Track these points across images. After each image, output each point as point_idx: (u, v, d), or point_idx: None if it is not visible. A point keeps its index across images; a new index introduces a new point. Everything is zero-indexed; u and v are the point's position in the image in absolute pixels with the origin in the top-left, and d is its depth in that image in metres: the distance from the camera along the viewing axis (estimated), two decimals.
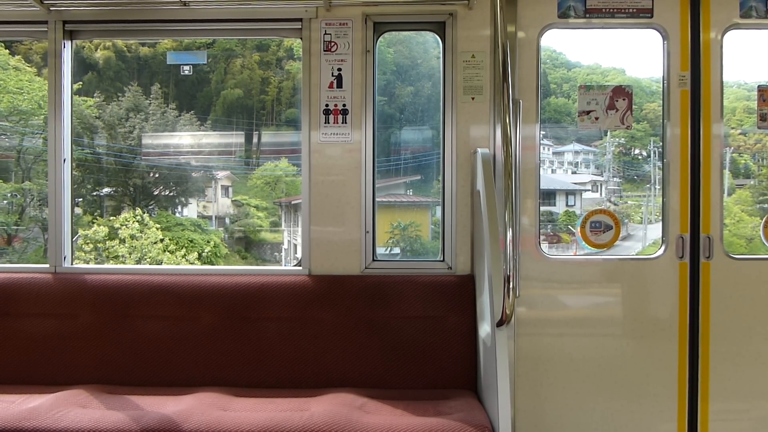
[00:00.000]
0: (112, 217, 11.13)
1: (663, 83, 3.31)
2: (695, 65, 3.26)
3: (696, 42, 3.26)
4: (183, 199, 12.50)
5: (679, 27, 3.27)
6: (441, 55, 3.33)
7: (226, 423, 2.52)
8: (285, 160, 12.51)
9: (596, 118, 3.32)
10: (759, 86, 3.34)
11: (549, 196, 10.55)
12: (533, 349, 3.27)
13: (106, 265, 8.94)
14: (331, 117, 3.30)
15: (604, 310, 3.33)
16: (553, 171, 11.29)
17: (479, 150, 3.06)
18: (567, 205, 10.71)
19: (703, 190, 3.25)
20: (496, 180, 3.14)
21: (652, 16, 3.28)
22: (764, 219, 3.39)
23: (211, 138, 12.59)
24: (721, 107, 3.26)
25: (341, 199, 3.31)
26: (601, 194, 11.14)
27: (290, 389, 2.99)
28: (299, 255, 3.44)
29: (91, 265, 7.87)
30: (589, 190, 11.19)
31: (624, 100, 3.31)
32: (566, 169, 11.56)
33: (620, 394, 3.27)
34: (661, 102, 3.33)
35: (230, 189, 12.95)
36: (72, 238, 3.45)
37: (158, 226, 10.96)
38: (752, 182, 9.85)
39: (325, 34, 3.30)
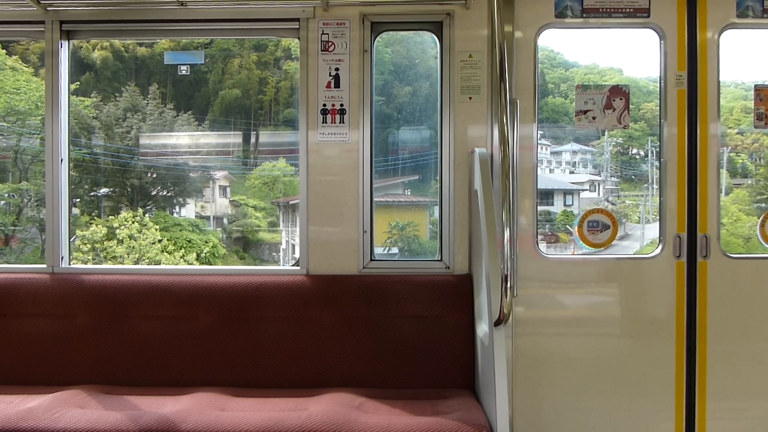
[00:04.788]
0: (110, 217, 11.12)
1: (660, 83, 3.32)
2: (692, 65, 3.26)
3: (693, 42, 3.27)
4: (181, 199, 12.48)
5: (676, 27, 3.27)
6: (438, 55, 3.33)
7: (224, 423, 2.52)
8: (283, 160, 12.49)
9: (593, 118, 3.32)
10: (756, 86, 3.35)
11: (547, 195, 10.57)
12: (531, 349, 3.28)
13: (103, 266, 8.92)
14: (329, 117, 3.30)
15: (602, 309, 3.33)
16: (550, 170, 11.31)
17: (477, 150, 3.06)
18: (565, 204, 10.72)
19: (700, 190, 3.26)
20: (494, 180, 3.15)
21: (649, 16, 3.28)
22: (761, 218, 3.40)
23: (208, 138, 12.57)
24: (718, 107, 3.27)
25: (339, 199, 3.31)
26: (598, 194, 11.15)
27: (288, 389, 2.99)
28: (297, 255, 3.44)
29: (89, 266, 7.86)
30: (586, 190, 11.21)
31: (621, 99, 3.31)
32: (564, 168, 11.58)
33: (618, 393, 3.28)
34: (658, 101, 3.34)
35: (228, 189, 12.93)
36: (69, 239, 3.45)
37: (157, 226, 10.95)
38: (749, 181, 9.87)
39: (323, 33, 3.30)
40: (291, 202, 12.07)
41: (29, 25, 3.39)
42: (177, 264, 10.41)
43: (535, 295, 3.30)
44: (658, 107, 3.36)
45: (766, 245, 3.36)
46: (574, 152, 11.66)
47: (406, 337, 3.12)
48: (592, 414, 3.28)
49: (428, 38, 3.40)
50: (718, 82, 3.27)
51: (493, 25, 2.76)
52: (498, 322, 2.52)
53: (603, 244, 3.36)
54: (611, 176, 10.91)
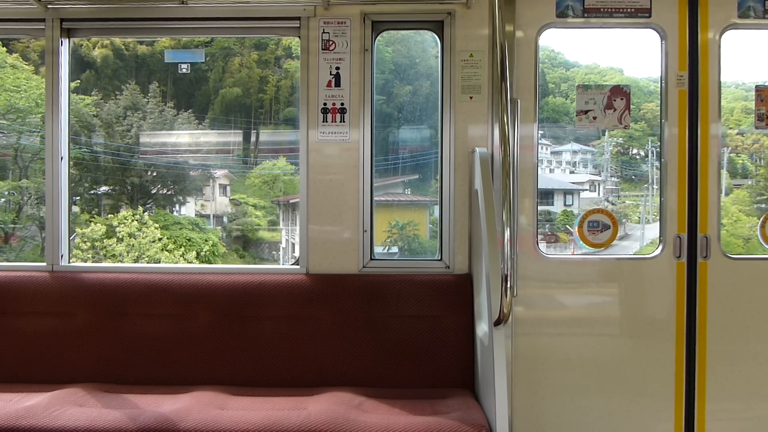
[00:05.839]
0: (110, 215, 11.12)
1: (661, 83, 3.32)
2: (693, 65, 3.26)
3: (694, 42, 3.26)
4: (181, 197, 12.48)
5: (677, 27, 3.27)
6: (439, 54, 3.33)
7: (224, 422, 2.51)
8: (283, 158, 12.50)
9: (594, 118, 3.32)
10: (756, 86, 3.35)
11: (547, 195, 10.57)
12: (531, 349, 3.28)
13: (103, 264, 8.93)
14: (330, 116, 3.30)
15: (602, 309, 3.33)
16: (551, 170, 11.31)
17: (477, 149, 3.06)
18: (565, 204, 10.73)
19: (700, 190, 3.26)
20: (494, 179, 3.15)
21: (650, 16, 3.28)
22: (761, 219, 3.40)
23: (209, 136, 12.57)
24: (719, 107, 3.26)
25: (339, 198, 3.31)
26: (599, 194, 11.16)
27: (288, 388, 2.99)
28: (297, 254, 3.44)
29: (89, 264, 7.85)
30: (587, 190, 11.22)
31: (622, 99, 3.31)
32: (564, 168, 11.58)
33: (617, 394, 3.28)
34: (659, 102, 3.34)
35: (228, 188, 12.93)
36: (69, 237, 3.45)
37: (157, 225, 10.95)
38: (750, 182, 9.88)
39: (324, 32, 3.30)
40: (291, 201, 12.07)
41: (30, 23, 3.39)
42: (177, 262, 10.41)
43: (535, 295, 3.30)
44: (658, 107, 3.36)
45: (766, 246, 3.36)
46: (575, 152, 11.67)
47: (405, 337, 3.11)
48: (592, 414, 3.28)
49: (429, 37, 3.39)
50: (719, 82, 3.26)
51: (494, 24, 2.76)
52: (498, 322, 2.52)
53: (603, 244, 3.36)
54: (611, 176, 10.91)
